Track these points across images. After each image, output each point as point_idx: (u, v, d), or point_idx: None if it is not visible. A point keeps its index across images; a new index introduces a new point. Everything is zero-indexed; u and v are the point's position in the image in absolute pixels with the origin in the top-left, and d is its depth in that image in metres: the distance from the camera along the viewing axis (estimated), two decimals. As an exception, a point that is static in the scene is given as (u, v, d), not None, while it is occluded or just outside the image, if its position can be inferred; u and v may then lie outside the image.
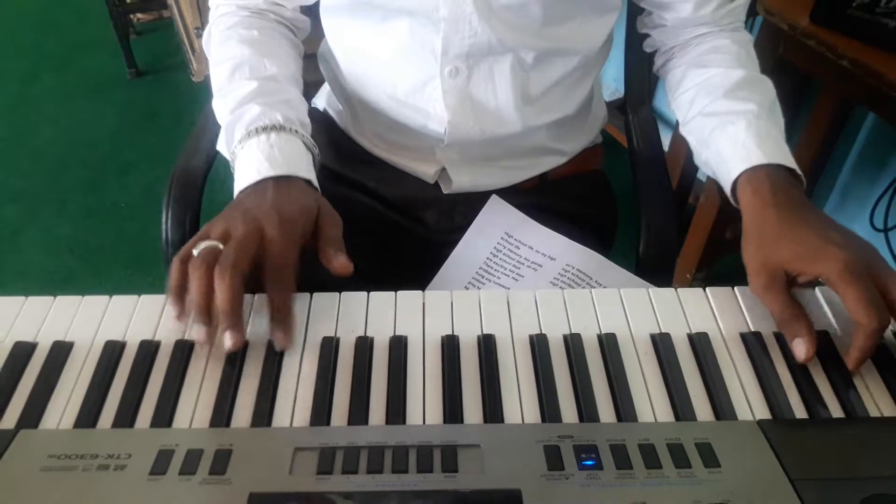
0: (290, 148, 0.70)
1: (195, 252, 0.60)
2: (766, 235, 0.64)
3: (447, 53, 0.77)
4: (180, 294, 0.59)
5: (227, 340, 0.56)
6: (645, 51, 0.92)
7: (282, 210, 0.63)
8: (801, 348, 0.58)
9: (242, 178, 0.68)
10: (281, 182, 0.67)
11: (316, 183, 0.71)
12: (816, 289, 0.65)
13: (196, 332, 0.57)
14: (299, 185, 0.68)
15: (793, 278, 0.62)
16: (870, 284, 0.58)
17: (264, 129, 0.70)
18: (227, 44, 0.80)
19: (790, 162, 0.70)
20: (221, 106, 0.75)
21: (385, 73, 0.83)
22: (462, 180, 0.88)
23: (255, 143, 0.69)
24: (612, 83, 2.04)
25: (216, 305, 0.57)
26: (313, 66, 0.96)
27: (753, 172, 0.69)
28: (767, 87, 0.79)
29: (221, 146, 0.75)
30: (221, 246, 0.60)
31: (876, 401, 0.56)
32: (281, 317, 0.58)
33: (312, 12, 0.89)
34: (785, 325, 0.59)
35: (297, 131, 0.72)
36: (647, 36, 0.89)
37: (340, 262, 0.63)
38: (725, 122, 0.74)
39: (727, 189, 0.73)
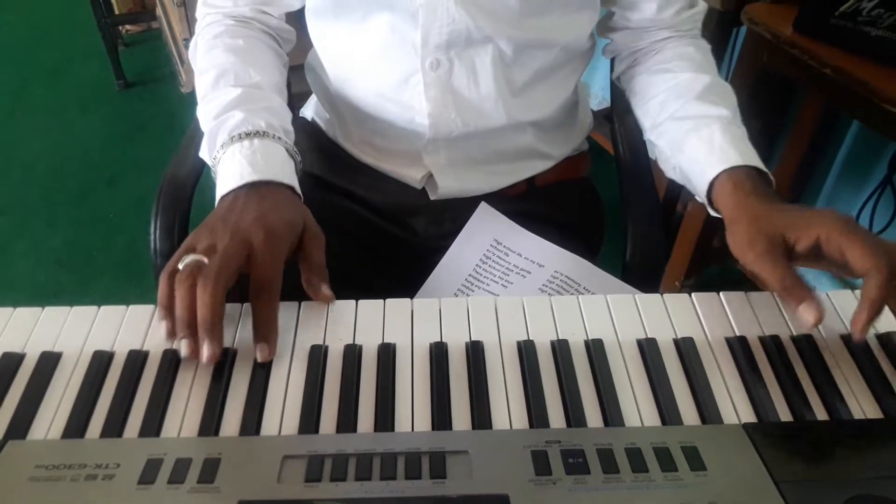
0: (273, 154, 0.71)
1: (180, 266, 0.60)
2: (756, 214, 0.65)
3: (427, 44, 0.78)
4: (170, 309, 0.59)
5: (205, 352, 0.57)
6: (603, 56, 0.93)
7: (268, 224, 0.63)
8: (809, 312, 0.58)
9: (224, 183, 0.68)
10: (264, 188, 0.67)
11: (299, 189, 0.71)
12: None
13: (183, 346, 0.58)
14: (283, 193, 0.68)
15: (791, 248, 0.62)
16: (872, 236, 0.59)
17: (247, 134, 0.71)
18: (212, 52, 0.80)
19: (762, 166, 0.72)
20: (205, 112, 0.76)
21: (369, 71, 0.84)
22: (449, 185, 0.89)
23: (237, 148, 0.70)
24: (600, 92, 2.05)
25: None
26: (301, 78, 0.96)
27: (732, 172, 0.71)
28: (730, 93, 0.81)
29: (203, 152, 0.74)
30: (206, 260, 0.60)
31: (860, 403, 0.56)
32: (265, 330, 0.59)
33: (298, 21, 0.89)
34: (787, 292, 0.60)
35: (279, 138, 0.73)
36: (607, 42, 0.91)
37: (324, 294, 0.63)
38: (700, 125, 0.76)
39: (702, 190, 0.73)
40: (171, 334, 0.59)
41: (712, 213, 0.74)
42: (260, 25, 0.85)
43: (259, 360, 0.58)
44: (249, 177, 0.67)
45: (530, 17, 0.78)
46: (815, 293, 0.59)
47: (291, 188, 0.70)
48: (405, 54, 0.79)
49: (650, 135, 0.84)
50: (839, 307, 0.64)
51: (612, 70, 0.94)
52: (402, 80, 0.82)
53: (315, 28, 0.88)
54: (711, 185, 0.72)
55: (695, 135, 0.75)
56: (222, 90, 0.76)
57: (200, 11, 0.86)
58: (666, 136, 0.81)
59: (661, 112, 0.82)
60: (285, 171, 0.70)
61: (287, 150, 0.73)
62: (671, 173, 0.81)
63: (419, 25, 0.77)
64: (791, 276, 0.60)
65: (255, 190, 0.67)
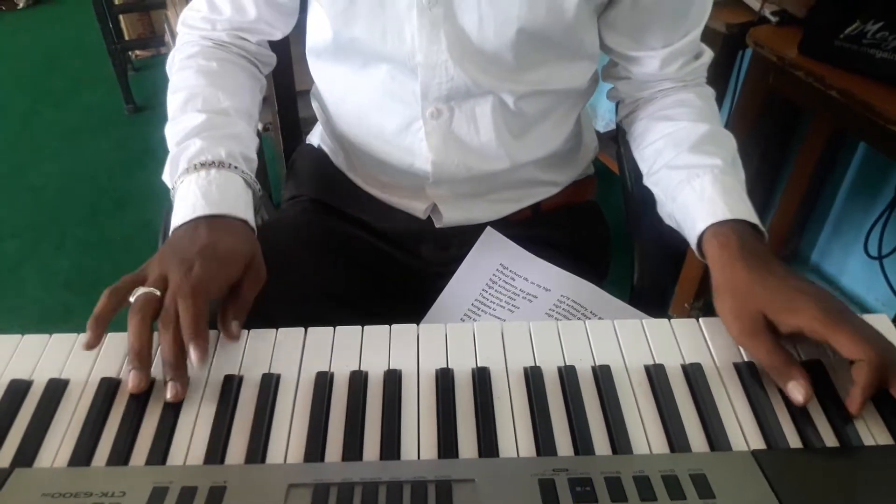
0: (228, 186, 0.70)
1: (132, 299, 0.61)
2: (739, 287, 0.64)
3: (427, 97, 0.79)
4: (103, 323, 0.60)
5: (169, 392, 0.57)
6: (608, 100, 0.93)
7: (215, 249, 0.64)
8: (797, 392, 0.57)
9: (178, 215, 0.68)
10: (216, 222, 0.67)
11: (253, 223, 0.71)
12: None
13: (132, 377, 0.57)
14: (234, 226, 0.68)
15: (774, 328, 0.61)
16: (857, 320, 0.58)
17: (203, 164, 0.71)
18: (185, 72, 0.81)
19: (753, 217, 0.70)
20: (170, 135, 0.76)
21: (371, 115, 0.85)
22: (453, 215, 0.89)
23: (194, 178, 0.70)
24: (607, 114, 2.05)
25: (161, 356, 0.58)
26: (308, 103, 0.97)
27: (720, 227, 0.69)
28: (730, 141, 0.80)
29: (165, 177, 0.74)
30: (157, 292, 0.61)
31: (870, 429, 0.56)
32: (190, 331, 0.59)
33: (279, 48, 0.90)
34: (775, 371, 0.59)
35: (237, 167, 0.72)
36: (611, 86, 0.90)
37: (231, 331, 0.62)
38: (692, 176, 0.75)
39: (693, 242, 0.73)
40: (92, 346, 0.60)
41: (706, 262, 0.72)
42: (237, 49, 0.86)
43: (194, 362, 0.58)
44: (202, 210, 0.67)
45: (528, 71, 0.79)
46: (802, 371, 0.58)
47: (245, 221, 0.69)
48: (405, 102, 0.80)
49: (647, 181, 0.83)
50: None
51: (616, 113, 0.93)
52: (403, 127, 0.82)
53: (315, 66, 0.89)
54: (700, 238, 0.71)
55: (687, 185, 0.75)
56: (188, 114, 0.76)
57: (180, 29, 0.86)
58: (661, 185, 0.80)
59: (657, 160, 0.81)
60: (239, 204, 0.70)
61: (245, 181, 0.73)
62: (668, 220, 0.80)
63: (419, 81, 0.77)
64: (777, 356, 0.59)
65: (206, 222, 0.67)
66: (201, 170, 0.70)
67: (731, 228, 0.69)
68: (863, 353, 0.56)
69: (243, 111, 0.80)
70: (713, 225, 0.70)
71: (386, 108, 0.82)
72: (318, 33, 0.82)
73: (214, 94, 0.78)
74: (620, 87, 0.88)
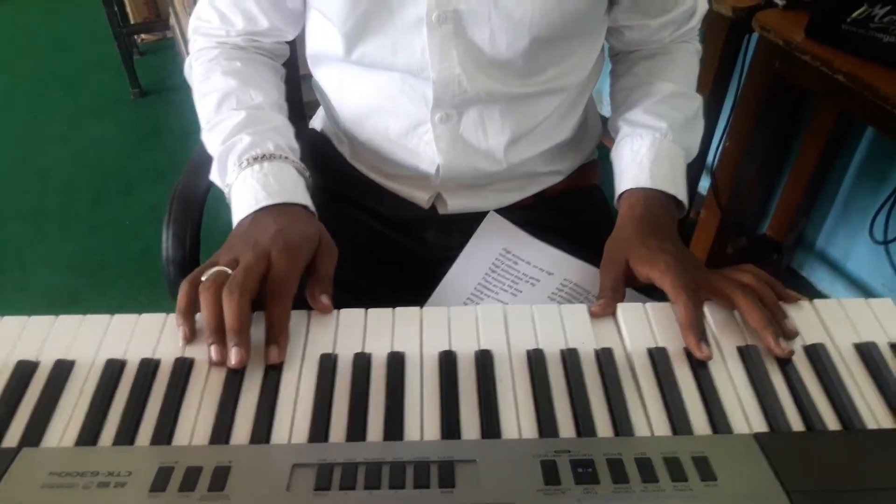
0: (284, 175, 0.72)
1: (204, 278, 0.62)
2: (620, 238, 0.73)
3: (439, 105, 0.79)
4: (187, 316, 0.61)
5: (232, 357, 0.58)
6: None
7: (287, 236, 0.65)
8: (597, 306, 0.65)
9: (240, 208, 0.70)
10: (280, 209, 0.68)
11: (313, 207, 0.72)
12: (814, 301, 0.65)
13: (212, 352, 0.58)
14: (299, 212, 0.70)
15: (631, 275, 0.70)
16: (699, 277, 0.65)
17: (256, 158, 0.72)
18: (211, 77, 0.81)
19: (673, 188, 0.77)
20: (211, 138, 0.77)
21: (377, 115, 0.85)
22: (457, 203, 0.89)
23: (249, 173, 0.71)
24: (612, 98, 2.05)
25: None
26: (311, 87, 0.97)
27: (637, 191, 0.77)
28: (689, 103, 0.84)
29: (214, 176, 0.76)
30: (230, 271, 0.62)
31: (874, 413, 0.56)
32: (275, 333, 0.59)
33: (291, 42, 0.91)
34: (602, 291, 0.68)
35: (288, 158, 0.74)
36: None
37: (322, 304, 0.64)
38: (634, 136, 0.81)
39: (616, 194, 0.80)
40: (189, 339, 0.61)
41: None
42: (254, 50, 0.86)
43: (268, 361, 0.59)
44: (264, 201, 0.69)
45: (538, 73, 0.79)
46: (618, 297, 0.67)
47: (305, 206, 0.71)
48: (415, 104, 0.80)
49: (608, 122, 0.88)
50: (851, 316, 0.64)
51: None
52: (409, 128, 0.83)
53: (318, 68, 0.89)
54: (621, 195, 0.79)
55: (628, 143, 0.81)
56: (226, 114, 0.77)
57: (192, 37, 0.87)
58: (613, 132, 0.86)
59: (617, 108, 0.86)
60: (297, 191, 0.71)
61: (297, 169, 0.74)
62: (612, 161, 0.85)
63: (431, 90, 0.77)
64: (612, 282, 0.69)
65: (271, 211, 0.68)
66: (254, 164, 0.71)
67: (644, 195, 0.76)
68: (675, 298, 0.63)
69: (275, 104, 0.81)
70: (633, 188, 0.77)
71: (393, 110, 0.82)
72: (324, 44, 0.81)
73: (246, 92, 0.79)
74: (611, 41, 0.90)
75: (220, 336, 0.59)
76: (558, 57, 0.80)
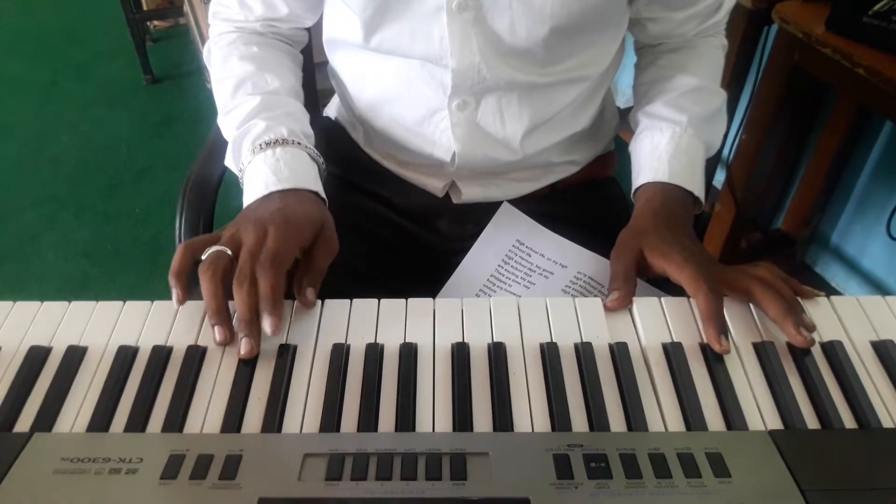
0: (296, 161, 0.72)
1: (203, 256, 0.62)
2: (636, 228, 0.73)
3: (457, 92, 0.79)
4: (182, 277, 0.62)
5: (244, 347, 0.58)
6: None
7: (287, 214, 0.65)
8: (611, 296, 0.64)
9: (251, 193, 0.70)
10: (288, 193, 0.69)
11: (323, 194, 0.72)
12: (831, 297, 0.65)
13: (218, 333, 0.59)
14: (306, 195, 0.70)
15: (644, 266, 0.69)
16: (714, 272, 0.65)
17: (269, 143, 0.72)
18: (228, 61, 0.82)
19: (691, 184, 0.77)
20: (227, 122, 0.77)
21: (393, 102, 0.84)
22: (472, 192, 0.89)
23: (261, 158, 0.71)
24: (628, 90, 2.04)
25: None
26: (326, 75, 0.96)
27: (655, 185, 0.77)
28: (712, 98, 0.83)
29: (229, 161, 0.76)
30: (229, 251, 0.62)
31: (890, 412, 0.55)
32: (268, 305, 0.59)
33: (310, 28, 0.90)
34: (614, 280, 0.67)
35: (301, 144, 0.74)
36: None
37: (307, 298, 0.63)
38: (654, 129, 0.81)
39: (633, 187, 0.80)
40: (181, 301, 0.62)
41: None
42: (273, 35, 0.86)
43: (268, 332, 0.59)
44: (274, 186, 0.69)
45: (558, 62, 0.79)
46: (631, 290, 0.66)
47: (315, 192, 0.71)
48: (432, 91, 0.80)
49: (631, 114, 0.88)
50: (869, 313, 0.63)
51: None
52: (426, 116, 0.82)
53: (334, 54, 0.88)
54: (639, 187, 0.79)
55: (647, 136, 0.81)
56: (242, 99, 0.77)
57: (212, 21, 0.87)
58: (633, 125, 0.86)
59: (639, 101, 0.86)
60: (310, 178, 0.71)
61: (310, 156, 0.74)
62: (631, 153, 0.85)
63: (450, 78, 0.77)
64: (623, 271, 0.68)
65: (279, 194, 0.68)
66: (267, 149, 0.72)
67: (662, 189, 0.76)
68: (695, 291, 0.63)
69: (291, 90, 0.82)
70: (650, 182, 0.77)
71: (410, 98, 0.82)
72: (342, 30, 0.82)
73: (262, 77, 0.79)
74: (635, 34, 0.89)
75: (221, 318, 0.59)
76: (578, 47, 0.79)
